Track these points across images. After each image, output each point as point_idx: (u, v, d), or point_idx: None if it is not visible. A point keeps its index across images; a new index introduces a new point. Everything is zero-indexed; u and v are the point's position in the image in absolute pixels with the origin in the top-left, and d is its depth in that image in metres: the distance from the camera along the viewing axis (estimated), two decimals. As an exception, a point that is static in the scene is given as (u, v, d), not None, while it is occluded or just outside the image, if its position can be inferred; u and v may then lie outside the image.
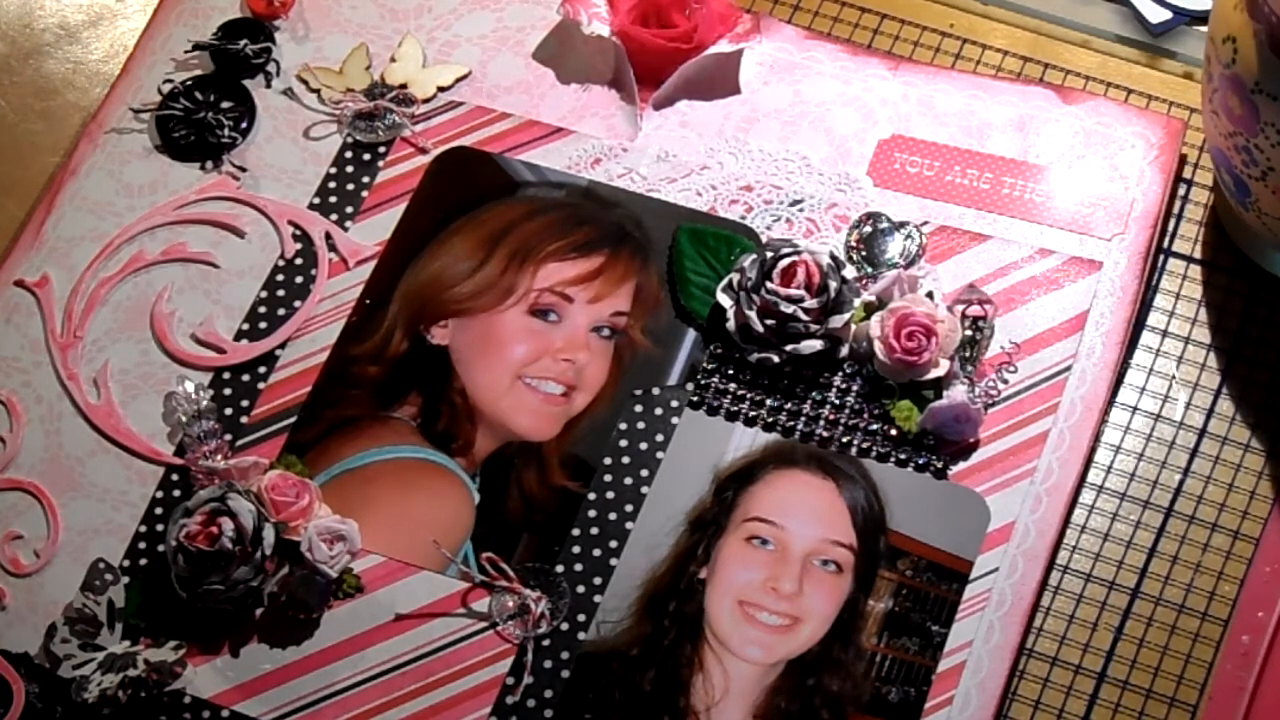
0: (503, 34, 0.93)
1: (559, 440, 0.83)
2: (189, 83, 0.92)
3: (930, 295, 0.82)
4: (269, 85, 0.93)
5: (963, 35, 0.92)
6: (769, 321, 0.81)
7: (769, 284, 0.81)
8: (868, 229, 0.85)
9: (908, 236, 0.85)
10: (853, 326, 0.82)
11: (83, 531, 0.83)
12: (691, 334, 0.84)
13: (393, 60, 0.92)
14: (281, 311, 0.87)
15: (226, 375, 0.86)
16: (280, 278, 0.88)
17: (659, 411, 0.83)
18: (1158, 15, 0.91)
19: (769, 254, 0.82)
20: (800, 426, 0.82)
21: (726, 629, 0.79)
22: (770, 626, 0.78)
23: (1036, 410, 0.81)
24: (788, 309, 0.81)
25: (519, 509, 0.82)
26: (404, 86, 0.91)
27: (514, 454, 0.83)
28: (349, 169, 0.90)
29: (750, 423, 0.82)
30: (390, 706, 0.78)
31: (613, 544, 0.80)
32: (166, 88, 0.92)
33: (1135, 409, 0.83)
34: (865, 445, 0.81)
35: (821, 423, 0.82)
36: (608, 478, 0.81)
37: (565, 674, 0.78)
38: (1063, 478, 0.79)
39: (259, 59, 0.93)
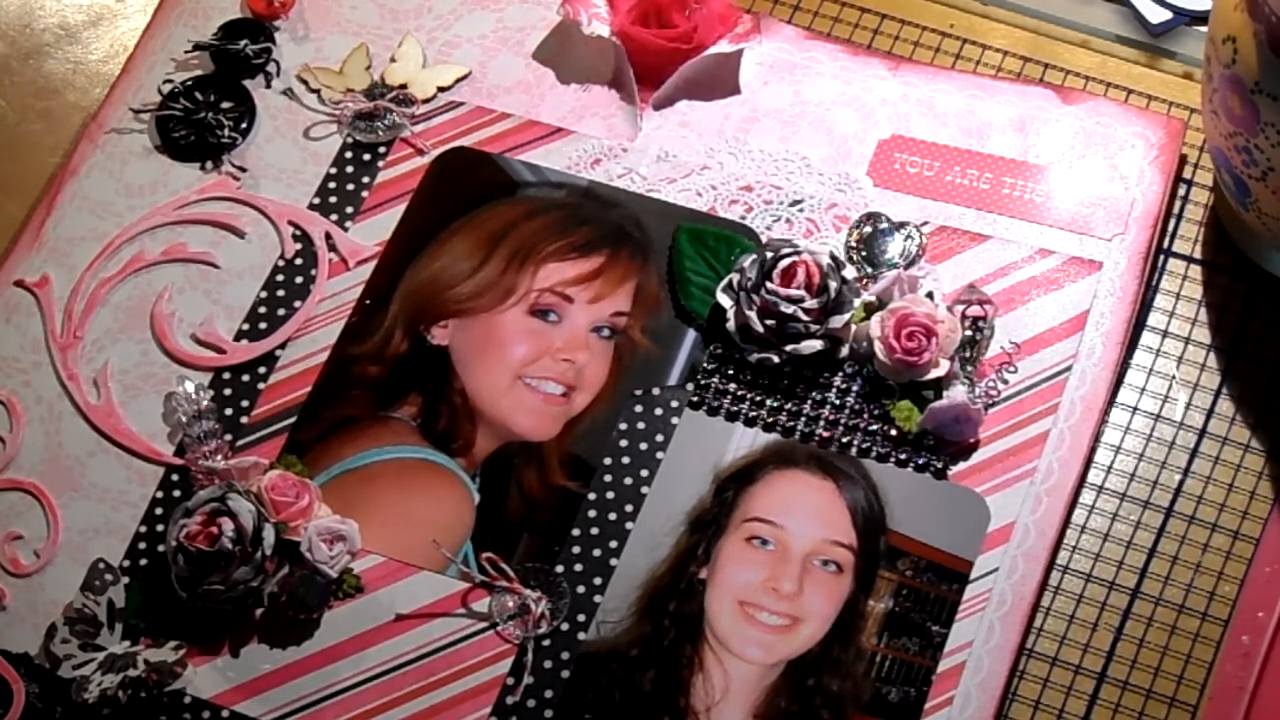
0: (503, 34, 0.93)
1: (559, 440, 0.83)
2: (189, 83, 0.92)
3: (930, 295, 0.82)
4: (269, 85, 0.93)
5: (963, 35, 0.92)
6: (769, 321, 0.81)
7: (769, 284, 0.81)
8: (868, 229, 0.85)
9: (908, 237, 0.85)
10: (853, 327, 0.82)
11: (83, 531, 0.83)
12: (691, 334, 0.84)
13: (393, 60, 0.92)
14: (281, 312, 0.87)
15: (226, 375, 0.86)
16: (280, 278, 0.88)
17: (659, 411, 0.83)
18: (1158, 15, 0.91)
19: (769, 254, 0.81)
20: (800, 427, 0.82)
21: (726, 629, 0.79)
22: (770, 626, 0.78)
23: (1036, 410, 0.81)
24: (788, 309, 0.81)
25: (519, 509, 0.82)
26: (404, 87, 0.91)
27: (514, 454, 0.83)
28: (349, 169, 0.90)
29: (750, 423, 0.82)
30: (390, 707, 0.78)
31: (613, 544, 0.80)
32: (166, 88, 0.92)
33: (1135, 409, 0.83)
34: (865, 445, 0.81)
35: (821, 423, 0.82)
36: (608, 478, 0.81)
37: (565, 674, 0.78)
38: (1063, 478, 0.79)
39: (259, 59, 0.93)
